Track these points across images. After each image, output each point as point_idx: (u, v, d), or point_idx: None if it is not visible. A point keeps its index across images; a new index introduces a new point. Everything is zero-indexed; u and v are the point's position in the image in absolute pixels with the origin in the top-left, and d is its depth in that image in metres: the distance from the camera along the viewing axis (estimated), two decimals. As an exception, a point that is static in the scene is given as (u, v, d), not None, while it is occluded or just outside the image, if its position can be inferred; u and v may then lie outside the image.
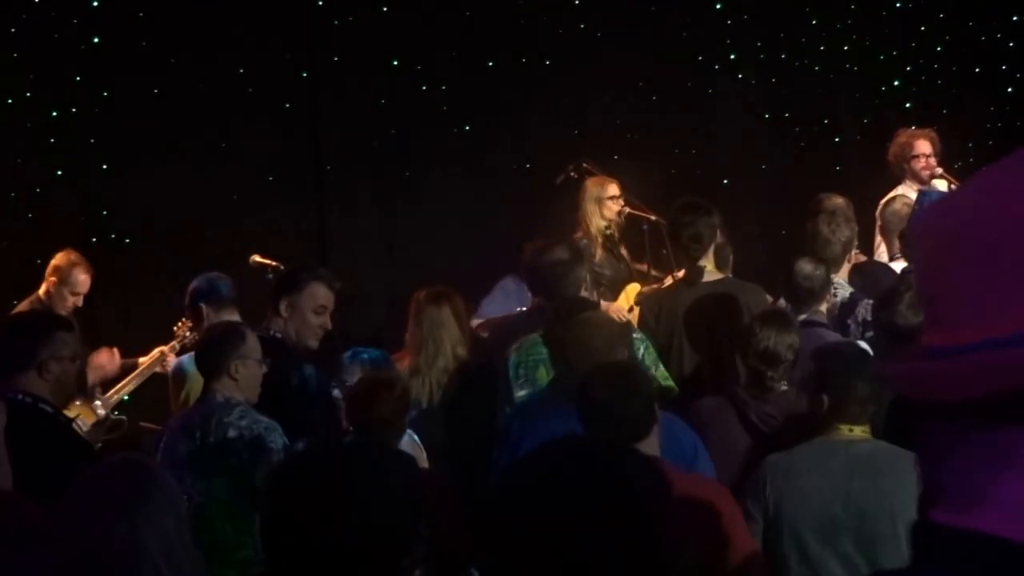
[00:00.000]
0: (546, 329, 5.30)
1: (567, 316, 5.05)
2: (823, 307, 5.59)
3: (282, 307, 5.11)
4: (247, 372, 4.62)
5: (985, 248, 0.88)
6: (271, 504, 2.41)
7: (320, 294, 5.12)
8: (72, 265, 6.86)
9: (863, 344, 5.11)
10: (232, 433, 4.50)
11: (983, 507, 0.90)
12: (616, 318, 5.53)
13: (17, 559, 2.11)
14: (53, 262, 6.88)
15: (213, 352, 4.69)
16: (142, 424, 6.37)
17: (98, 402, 6.18)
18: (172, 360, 6.44)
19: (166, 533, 3.17)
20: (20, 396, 4.43)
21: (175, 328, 6.65)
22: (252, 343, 4.67)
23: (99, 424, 6.08)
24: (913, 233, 0.97)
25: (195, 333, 6.15)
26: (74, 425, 4.84)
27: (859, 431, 4.12)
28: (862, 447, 4.09)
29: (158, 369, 6.56)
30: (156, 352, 6.62)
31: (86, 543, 2.98)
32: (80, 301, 6.88)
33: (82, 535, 2.99)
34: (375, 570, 2.34)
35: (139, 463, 3.41)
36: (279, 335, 5.08)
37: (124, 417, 6.36)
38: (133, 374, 6.58)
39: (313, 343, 5.13)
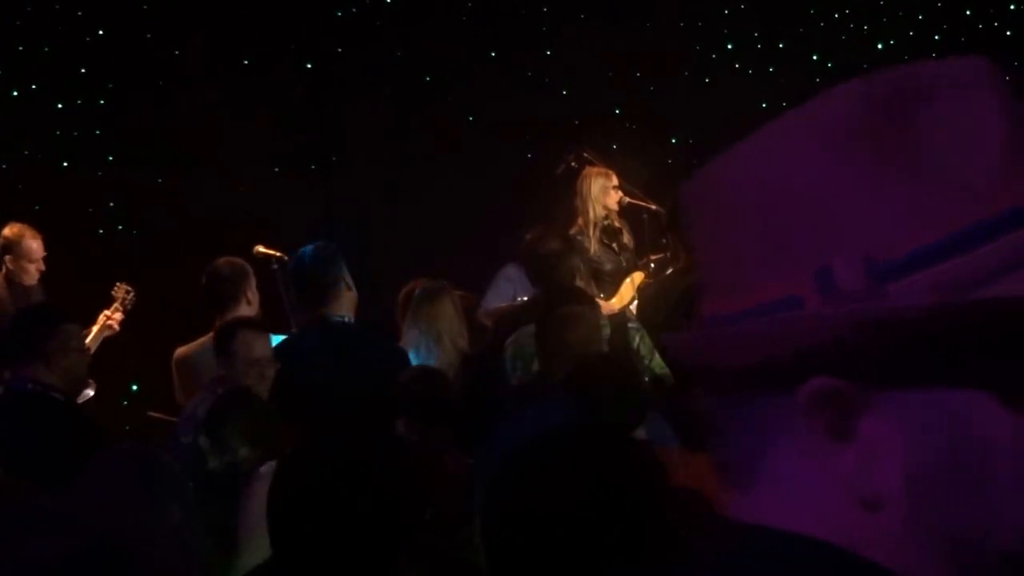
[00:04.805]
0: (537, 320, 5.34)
1: (557, 307, 5.09)
2: None
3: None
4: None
5: (751, 213, 0.84)
6: (277, 491, 2.47)
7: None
8: (20, 236, 6.95)
9: None
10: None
11: (756, 485, 0.85)
12: (605, 313, 5.54)
13: (27, 544, 2.16)
14: (1, 239, 6.96)
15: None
16: (151, 414, 6.43)
17: None
18: (119, 321, 6.70)
19: (174, 520, 3.22)
20: (29, 385, 4.51)
21: (113, 291, 6.82)
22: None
23: None
24: (686, 197, 0.92)
25: (132, 294, 6.46)
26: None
27: None
28: None
29: (107, 333, 6.72)
30: (101, 317, 6.76)
31: (96, 530, 3.04)
32: (41, 266, 6.96)
33: (92, 522, 3.05)
34: (376, 557, 2.38)
35: (147, 452, 3.47)
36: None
37: (92, 382, 6.49)
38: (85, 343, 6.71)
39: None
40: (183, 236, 7.88)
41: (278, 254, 6.61)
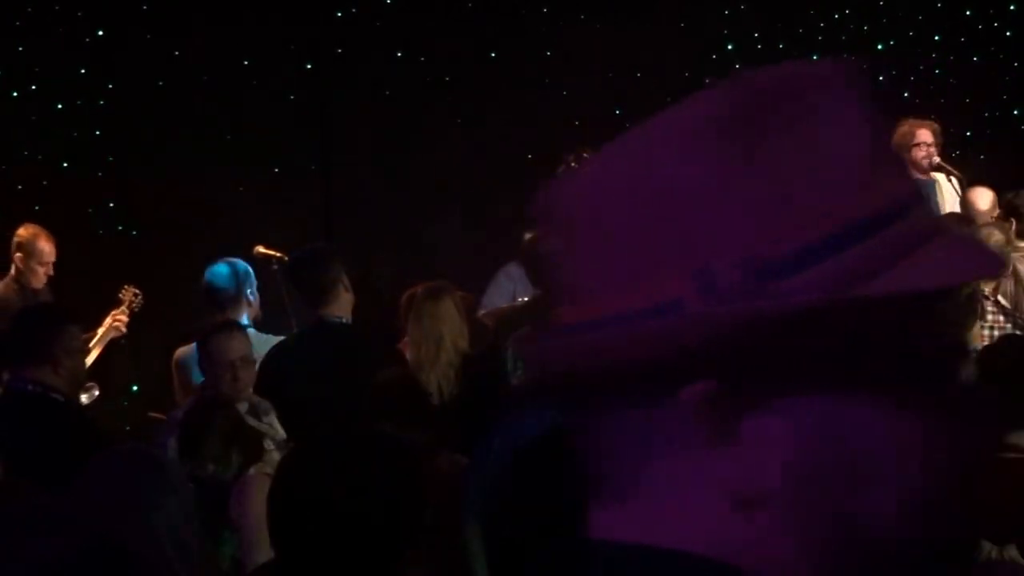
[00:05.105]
0: (537, 321, 5.34)
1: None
2: None
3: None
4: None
5: (619, 216, 0.82)
6: (277, 491, 2.48)
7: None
8: (34, 237, 6.97)
9: None
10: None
11: (634, 495, 0.84)
12: None
13: (27, 544, 2.16)
14: (15, 239, 6.98)
15: None
16: (151, 414, 6.44)
17: None
18: (125, 323, 6.75)
19: (174, 521, 3.23)
20: (30, 387, 4.51)
21: (120, 293, 6.84)
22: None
23: None
24: (541, 204, 0.90)
25: (140, 297, 6.51)
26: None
27: None
28: None
29: (114, 334, 6.74)
30: (108, 319, 6.78)
31: (96, 530, 3.05)
32: (50, 270, 6.99)
33: (92, 522, 3.05)
34: (378, 559, 2.38)
35: (148, 452, 3.49)
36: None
37: (95, 385, 6.51)
38: (91, 344, 6.70)
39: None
40: (183, 236, 7.89)
41: (278, 254, 6.63)
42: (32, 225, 7.04)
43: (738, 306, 0.78)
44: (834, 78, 0.84)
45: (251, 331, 5.77)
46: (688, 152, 0.81)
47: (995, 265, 0.86)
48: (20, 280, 6.93)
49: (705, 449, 0.80)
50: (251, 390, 4.95)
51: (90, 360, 6.69)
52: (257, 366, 5.21)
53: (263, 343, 5.56)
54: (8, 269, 7.20)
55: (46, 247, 6.96)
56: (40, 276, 6.93)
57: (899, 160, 0.86)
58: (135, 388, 6.75)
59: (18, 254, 6.96)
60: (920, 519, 0.81)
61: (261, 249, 6.76)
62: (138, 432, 6.14)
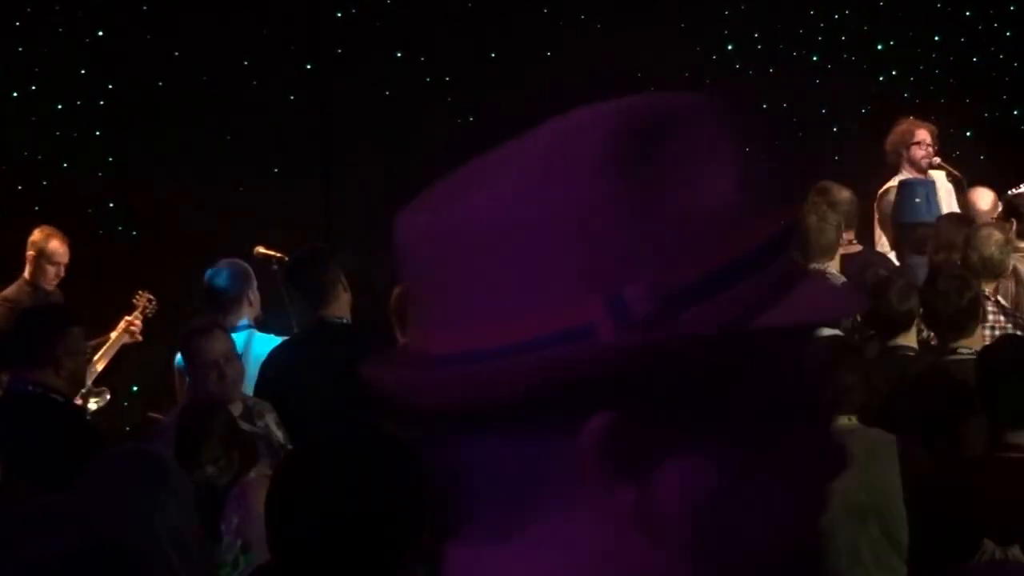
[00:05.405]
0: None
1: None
2: None
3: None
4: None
5: (498, 248, 0.79)
6: (276, 493, 2.48)
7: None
8: (47, 237, 7.00)
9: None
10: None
11: (519, 536, 0.81)
12: None
13: (27, 544, 2.16)
14: (30, 240, 7.01)
15: None
16: (150, 414, 6.45)
17: None
18: (139, 327, 6.77)
19: (175, 521, 3.23)
20: (30, 387, 4.51)
21: (134, 299, 6.85)
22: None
23: (83, 398, 6.25)
24: (403, 231, 0.88)
25: (154, 303, 6.51)
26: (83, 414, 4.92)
27: (852, 420, 4.20)
28: (857, 434, 4.15)
29: (127, 339, 6.75)
30: (123, 323, 6.79)
31: (98, 530, 3.05)
32: (62, 271, 7.01)
33: (92, 522, 3.06)
34: (378, 560, 2.38)
35: (149, 453, 3.48)
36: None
37: (106, 389, 6.52)
38: (104, 348, 6.71)
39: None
40: (183, 237, 7.89)
41: (278, 255, 6.63)
42: (47, 227, 7.07)
43: (657, 334, 0.77)
44: (708, 113, 0.84)
45: (251, 331, 5.78)
46: (585, 178, 0.79)
47: (857, 304, 0.92)
48: (33, 281, 6.95)
49: (604, 482, 0.78)
50: (241, 388, 4.93)
51: (101, 367, 6.70)
52: (258, 366, 5.22)
53: (263, 343, 5.57)
54: (8, 269, 7.21)
55: (58, 248, 6.98)
56: (51, 277, 6.96)
57: (772, 196, 0.85)
58: (135, 388, 6.75)
59: (32, 254, 6.99)
60: (792, 549, 0.82)
61: (261, 249, 6.77)
62: (138, 432, 6.14)
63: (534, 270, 0.78)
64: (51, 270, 6.97)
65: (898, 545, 4.02)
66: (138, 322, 6.83)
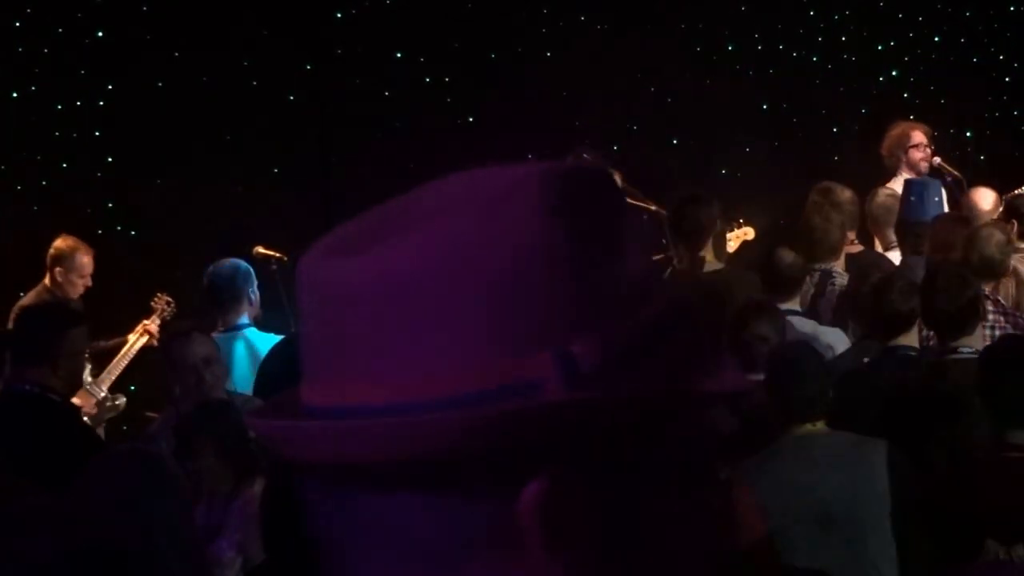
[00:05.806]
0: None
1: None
2: (797, 297, 5.69)
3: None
4: None
5: (398, 299, 0.75)
6: (273, 491, 2.47)
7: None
8: (74, 250, 6.96)
9: (831, 334, 5.24)
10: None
11: None
12: None
13: (27, 544, 2.16)
14: (53, 251, 6.96)
15: None
16: (148, 413, 6.44)
17: (92, 384, 6.33)
18: (155, 331, 6.74)
19: (174, 521, 3.23)
20: (27, 387, 4.51)
21: (152, 302, 6.83)
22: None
23: (100, 404, 6.23)
24: (304, 275, 0.81)
25: (172, 306, 6.47)
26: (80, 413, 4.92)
27: (819, 426, 4.16)
28: (822, 440, 4.12)
29: (145, 343, 6.74)
30: (140, 328, 6.77)
31: (96, 530, 3.04)
32: (88, 283, 6.99)
33: (92, 522, 3.05)
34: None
35: (146, 452, 3.48)
36: None
37: (122, 396, 6.51)
38: (122, 352, 6.70)
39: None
40: (183, 237, 7.89)
41: (278, 254, 6.64)
42: (69, 237, 7.02)
43: (607, 391, 0.74)
44: (612, 182, 0.83)
45: (251, 331, 5.78)
46: (522, 230, 0.76)
47: (744, 384, 0.89)
48: (54, 291, 6.90)
49: (540, 548, 0.74)
50: (221, 391, 4.91)
51: (116, 374, 6.69)
52: (258, 366, 5.21)
53: (263, 343, 5.56)
54: (8, 269, 7.20)
55: (85, 259, 6.96)
56: (79, 288, 6.91)
57: (664, 269, 0.87)
58: (132, 388, 6.75)
59: (57, 268, 6.91)
60: None
61: (261, 249, 6.77)
62: (137, 432, 6.14)
63: (460, 322, 0.74)
64: (79, 283, 6.94)
65: (863, 554, 3.95)
66: (155, 326, 6.79)
